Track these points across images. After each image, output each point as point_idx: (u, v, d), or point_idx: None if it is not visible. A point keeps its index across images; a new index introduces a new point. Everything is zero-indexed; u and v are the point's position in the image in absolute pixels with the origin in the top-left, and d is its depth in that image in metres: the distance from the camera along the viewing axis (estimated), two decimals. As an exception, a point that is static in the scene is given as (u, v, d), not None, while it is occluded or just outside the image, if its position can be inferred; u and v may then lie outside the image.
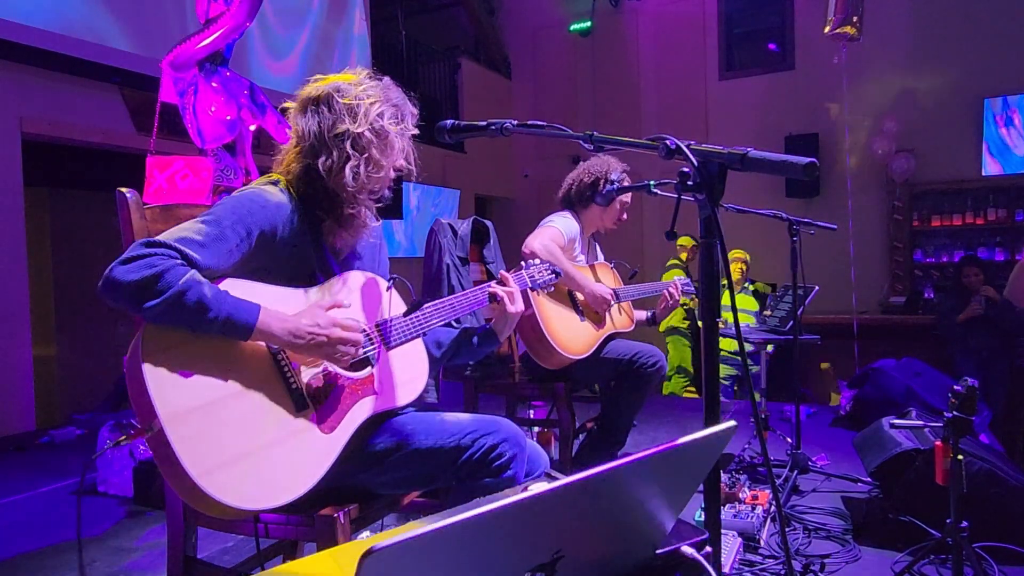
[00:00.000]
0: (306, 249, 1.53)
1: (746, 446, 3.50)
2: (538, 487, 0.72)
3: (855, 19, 6.27)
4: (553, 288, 2.08)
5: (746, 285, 5.92)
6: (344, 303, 1.51)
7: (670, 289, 3.01)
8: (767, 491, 2.63)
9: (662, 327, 6.14)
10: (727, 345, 5.43)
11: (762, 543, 2.37)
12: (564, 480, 0.74)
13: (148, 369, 1.25)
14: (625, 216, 3.05)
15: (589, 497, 0.80)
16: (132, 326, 1.36)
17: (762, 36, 8.75)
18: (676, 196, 1.22)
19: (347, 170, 1.51)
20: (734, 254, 5.77)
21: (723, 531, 1.84)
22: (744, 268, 5.79)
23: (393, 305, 1.65)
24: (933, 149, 7.52)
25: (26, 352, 4.66)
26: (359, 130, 1.52)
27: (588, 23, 9.48)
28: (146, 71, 4.85)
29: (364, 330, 1.56)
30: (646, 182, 2.38)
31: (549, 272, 1.93)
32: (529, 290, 1.87)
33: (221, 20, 3.24)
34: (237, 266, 1.42)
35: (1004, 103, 7.20)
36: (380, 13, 8.37)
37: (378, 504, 1.61)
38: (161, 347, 1.28)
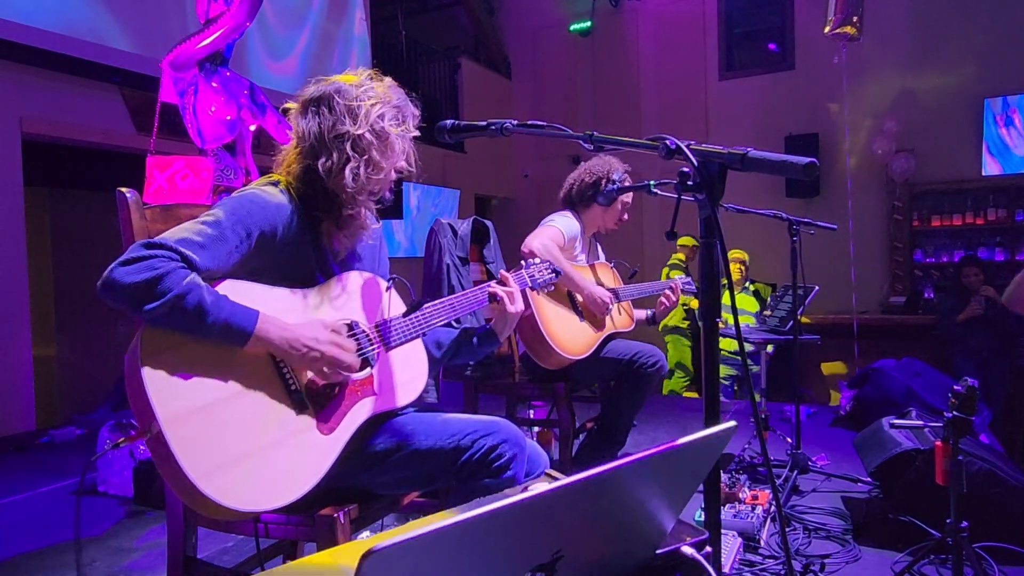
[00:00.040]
0: (306, 250, 1.52)
1: (746, 446, 3.50)
2: (538, 487, 0.72)
3: (855, 19, 6.27)
4: (553, 288, 2.08)
5: (747, 285, 5.91)
6: (344, 327, 1.50)
7: (669, 289, 3.01)
8: (767, 491, 2.63)
9: (661, 326, 6.14)
10: (727, 345, 5.43)
11: (762, 543, 2.37)
12: (564, 480, 0.74)
13: (147, 371, 1.25)
14: (626, 216, 3.05)
15: (589, 497, 0.80)
16: (132, 326, 1.36)
17: (762, 36, 8.75)
18: (676, 196, 1.22)
19: (347, 171, 1.51)
20: (732, 254, 5.77)
21: (723, 531, 1.84)
22: (743, 268, 5.78)
23: (392, 305, 1.65)
24: (933, 149, 7.52)
25: (26, 352, 4.66)
26: (359, 131, 1.51)
27: (588, 23, 9.48)
28: (146, 71, 4.85)
29: (364, 331, 1.56)
30: (646, 182, 2.39)
31: (549, 271, 1.93)
32: (529, 289, 1.87)
33: (221, 20, 3.24)
34: (237, 267, 1.42)
35: (1004, 103, 7.20)
36: (380, 13, 8.37)
37: (378, 504, 1.61)
38: (160, 349, 1.28)
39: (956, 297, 5.53)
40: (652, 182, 2.36)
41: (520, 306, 1.79)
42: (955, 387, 1.87)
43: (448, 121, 1.51)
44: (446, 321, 1.69)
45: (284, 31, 6.57)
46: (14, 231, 4.60)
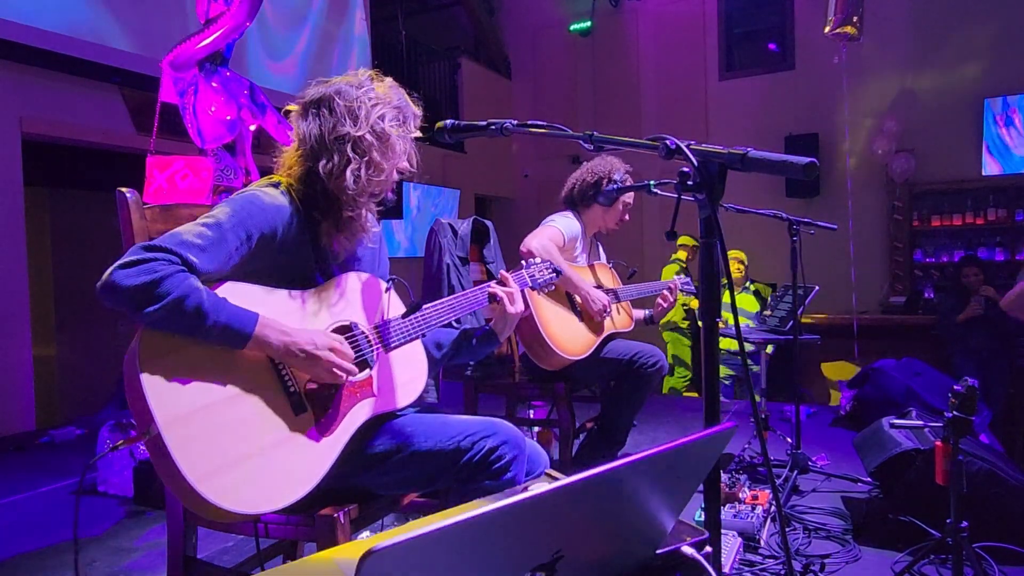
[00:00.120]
0: (306, 251, 1.52)
1: (746, 446, 3.50)
2: (538, 487, 0.72)
3: (855, 19, 6.27)
4: (553, 288, 2.07)
5: (747, 285, 5.92)
6: (344, 321, 1.50)
7: (668, 289, 3.01)
8: (767, 491, 2.63)
9: (662, 324, 6.16)
10: (727, 345, 5.43)
11: (762, 543, 2.37)
12: (564, 480, 0.74)
13: (146, 373, 1.25)
14: (627, 217, 3.05)
15: (589, 497, 0.80)
16: (132, 326, 1.36)
17: (762, 36, 8.75)
18: (676, 196, 1.22)
19: (348, 173, 1.50)
20: (730, 254, 5.77)
21: (723, 531, 1.84)
22: (742, 268, 5.79)
23: (392, 306, 1.64)
24: (933, 149, 7.52)
25: (26, 352, 4.66)
26: (359, 133, 1.51)
27: (588, 23, 9.48)
28: (146, 71, 4.85)
29: (363, 332, 1.56)
30: (646, 182, 2.39)
31: (550, 271, 1.93)
32: (529, 289, 1.86)
33: (221, 20, 3.24)
34: (237, 269, 1.42)
35: (1004, 103, 7.20)
36: (380, 13, 8.37)
37: (378, 504, 1.61)
38: (159, 351, 1.28)
39: (956, 297, 5.53)
40: (652, 182, 2.36)
41: (520, 306, 1.79)
42: (955, 387, 1.87)
43: (448, 121, 1.51)
44: (446, 322, 1.69)
45: (284, 31, 6.57)
46: (14, 231, 4.60)
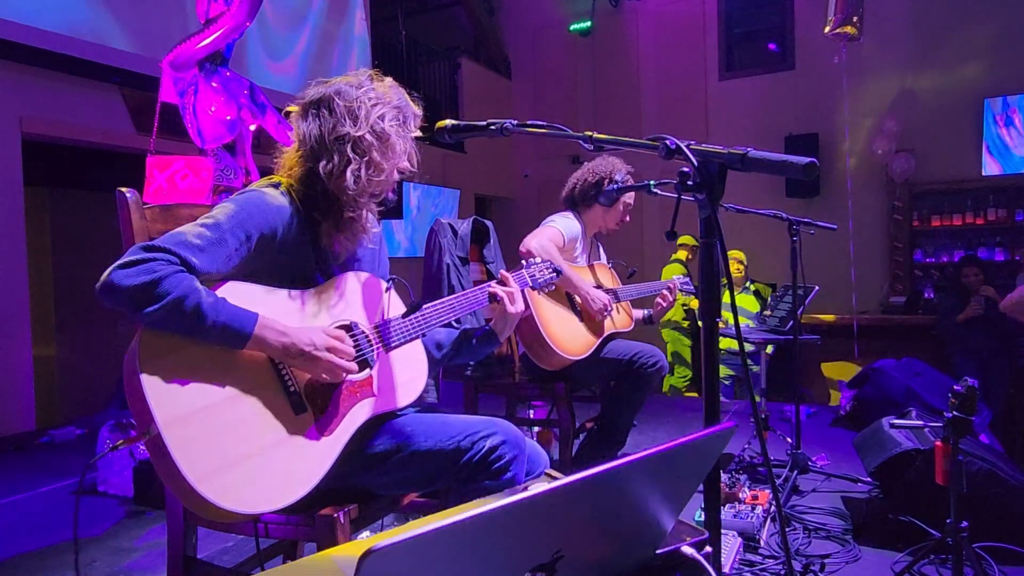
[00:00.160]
0: (306, 252, 1.52)
1: (746, 446, 3.50)
2: (538, 487, 0.72)
3: (855, 19, 6.28)
4: (554, 287, 2.07)
5: (747, 285, 5.92)
6: (345, 321, 1.50)
7: (667, 289, 3.01)
8: (767, 491, 2.63)
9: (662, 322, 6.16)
10: (726, 345, 5.43)
11: (762, 543, 2.37)
12: (564, 480, 0.74)
13: (145, 374, 1.25)
14: (628, 218, 3.05)
15: (589, 497, 0.80)
16: (132, 326, 1.36)
17: (762, 36, 8.75)
18: (676, 196, 1.22)
19: (348, 173, 1.50)
20: (730, 254, 5.77)
21: (723, 531, 1.84)
22: (742, 269, 5.79)
23: (392, 306, 1.64)
24: (933, 149, 7.53)
25: (26, 352, 4.66)
26: (359, 133, 1.51)
27: (588, 23, 9.48)
28: (146, 71, 4.85)
29: (364, 332, 1.56)
30: (646, 182, 2.39)
31: (550, 271, 1.92)
32: (529, 289, 1.86)
33: (221, 20, 3.24)
34: (236, 269, 1.42)
35: (1004, 103, 7.20)
36: (380, 13, 8.37)
37: (378, 504, 1.61)
38: (159, 352, 1.28)
39: (956, 297, 5.53)
40: (652, 182, 2.36)
41: (520, 306, 1.78)
42: (955, 387, 1.87)
43: (448, 121, 1.51)
44: (446, 322, 1.69)
45: (284, 31, 6.57)
46: (14, 231, 4.60)
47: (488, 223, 3.46)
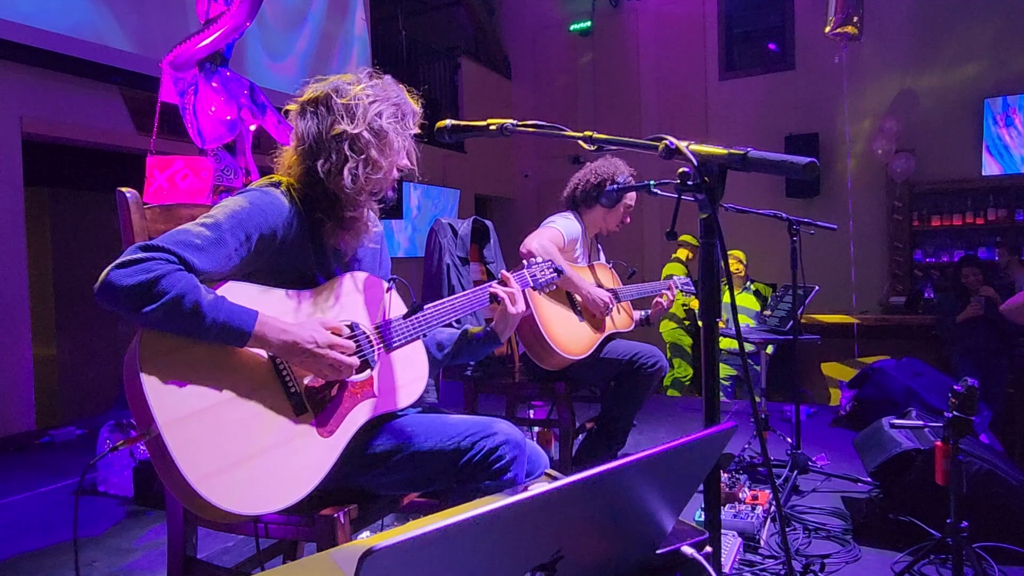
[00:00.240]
0: (307, 252, 1.52)
1: (746, 446, 3.50)
2: (538, 487, 0.72)
3: (855, 19, 6.28)
4: (555, 287, 2.07)
5: (747, 285, 5.92)
6: (345, 328, 1.50)
7: (666, 290, 3.01)
8: (767, 491, 2.63)
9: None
10: (727, 345, 5.43)
11: (762, 543, 2.37)
12: (564, 480, 0.74)
13: (146, 374, 1.25)
14: (628, 219, 3.06)
15: (589, 497, 0.80)
16: (132, 326, 1.36)
17: (762, 36, 8.75)
18: (676, 196, 1.22)
19: (345, 172, 1.49)
20: (730, 253, 5.76)
21: (723, 531, 1.84)
22: (741, 269, 5.79)
23: (393, 306, 1.64)
24: (933, 149, 7.53)
25: (26, 352, 4.66)
26: (356, 130, 1.50)
27: (588, 23, 9.48)
28: (146, 71, 4.85)
29: (364, 333, 1.56)
30: (646, 182, 2.39)
31: (551, 271, 1.92)
32: (530, 289, 1.86)
33: (221, 20, 3.24)
34: (236, 269, 1.41)
35: (1004, 103, 7.21)
36: (380, 13, 8.38)
37: (378, 504, 1.61)
38: (159, 352, 1.28)
39: (956, 297, 5.53)
40: (652, 182, 2.36)
41: (522, 307, 1.78)
42: (955, 387, 1.87)
43: (448, 121, 1.51)
44: (447, 322, 1.69)
45: (284, 31, 6.57)
46: (14, 231, 4.60)
47: (488, 223, 3.46)
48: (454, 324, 1.80)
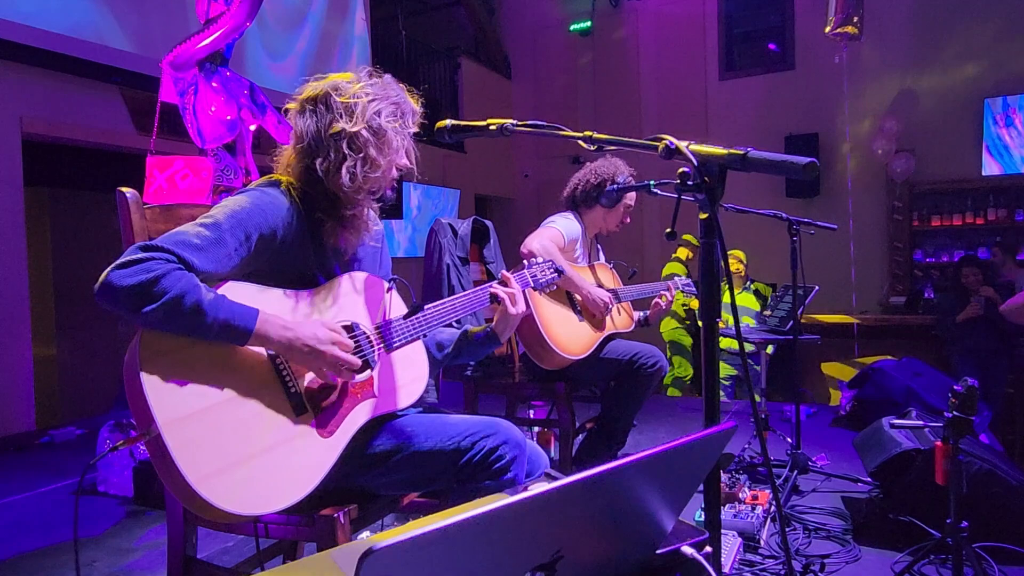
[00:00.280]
0: (307, 251, 1.52)
1: (746, 446, 3.50)
2: (538, 487, 0.72)
3: (855, 19, 6.28)
4: (555, 287, 2.07)
5: (747, 285, 5.92)
6: (346, 322, 1.50)
7: (665, 291, 3.00)
8: (767, 491, 2.63)
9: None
10: (727, 344, 5.43)
11: (762, 543, 2.37)
12: (564, 480, 0.74)
13: (146, 374, 1.25)
14: (628, 219, 3.05)
15: (589, 497, 0.80)
16: (132, 326, 1.36)
17: (762, 36, 8.75)
18: (676, 196, 1.22)
19: (343, 170, 1.49)
20: (730, 253, 5.76)
21: (723, 531, 1.84)
22: (741, 269, 5.79)
23: (394, 307, 1.64)
24: (933, 149, 7.53)
25: (26, 352, 4.66)
26: (355, 129, 1.49)
27: (588, 23, 9.48)
28: (146, 71, 4.85)
29: (365, 333, 1.56)
30: (646, 182, 2.39)
31: (552, 271, 1.92)
32: (531, 289, 1.86)
33: (221, 20, 3.24)
34: (236, 270, 1.41)
35: (1004, 103, 7.20)
36: (380, 13, 8.38)
37: (378, 504, 1.61)
38: (159, 352, 1.28)
39: (956, 297, 5.53)
40: (652, 182, 2.36)
41: (522, 307, 1.78)
42: (955, 387, 1.87)
43: (448, 121, 1.50)
44: (448, 322, 1.68)
45: (284, 31, 6.57)
46: (14, 231, 4.60)
47: (488, 223, 3.46)
48: (454, 324, 1.80)
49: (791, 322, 3.36)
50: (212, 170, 3.25)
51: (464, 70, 9.20)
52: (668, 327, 6.41)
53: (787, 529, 2.56)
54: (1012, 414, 5.51)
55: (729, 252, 1.24)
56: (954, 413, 1.85)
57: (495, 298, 1.76)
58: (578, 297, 2.85)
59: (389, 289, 1.64)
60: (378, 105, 1.53)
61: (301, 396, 1.42)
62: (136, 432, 1.29)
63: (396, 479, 1.54)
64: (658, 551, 1.00)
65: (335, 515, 1.43)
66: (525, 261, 1.99)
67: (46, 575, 2.45)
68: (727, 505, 2.49)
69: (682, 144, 1.14)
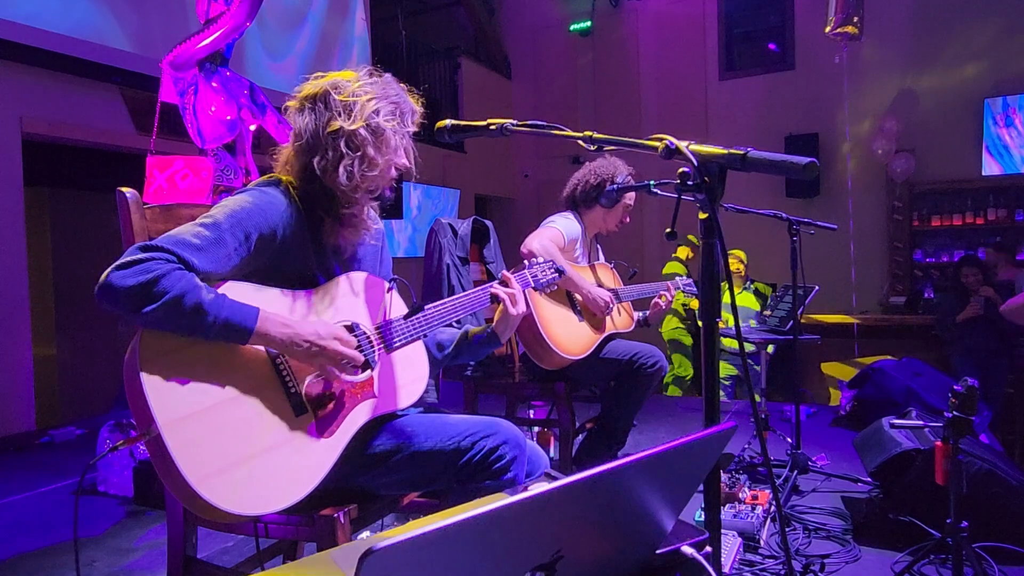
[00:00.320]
0: (307, 250, 1.52)
1: (746, 446, 3.50)
2: (538, 487, 0.72)
3: (855, 19, 6.28)
4: (556, 287, 2.07)
5: (748, 284, 5.92)
6: (346, 322, 1.50)
7: (664, 291, 3.00)
8: (767, 491, 2.63)
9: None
10: (727, 344, 5.43)
11: (762, 543, 2.37)
12: (564, 480, 0.74)
13: (146, 374, 1.25)
14: (627, 219, 3.05)
15: (589, 497, 0.80)
16: (132, 326, 1.36)
17: (762, 36, 8.75)
18: (676, 196, 1.22)
19: (341, 168, 1.49)
20: (730, 253, 5.76)
21: (723, 531, 1.84)
22: (741, 268, 5.79)
23: (394, 307, 1.64)
24: (933, 149, 7.53)
25: (26, 352, 4.66)
26: (353, 127, 1.49)
27: (588, 23, 9.48)
28: (146, 71, 4.85)
29: (365, 333, 1.56)
30: (646, 182, 2.39)
31: (552, 271, 1.92)
32: (531, 289, 1.86)
33: (221, 20, 3.24)
34: (236, 269, 1.41)
35: (1004, 103, 7.20)
36: (380, 13, 8.37)
37: (378, 504, 1.61)
38: (159, 352, 1.28)
39: (956, 297, 5.53)
40: (652, 182, 2.36)
41: (523, 307, 1.77)
42: (955, 387, 1.87)
43: (448, 121, 1.50)
44: (448, 322, 1.68)
45: (284, 31, 6.57)
46: (14, 231, 4.60)
47: (488, 223, 3.46)
48: (454, 324, 1.80)
49: (791, 322, 3.36)
50: (212, 170, 3.25)
51: (464, 70, 9.20)
52: (669, 326, 6.41)
53: (787, 529, 2.56)
54: (1012, 414, 5.51)
55: (729, 252, 1.24)
56: (954, 413, 1.85)
57: (495, 298, 1.76)
58: (578, 297, 2.85)
59: (389, 289, 1.64)
60: (377, 104, 1.53)
61: (301, 396, 1.41)
62: (136, 432, 1.29)
63: (396, 479, 1.54)
64: (658, 551, 1.00)
65: (335, 515, 1.43)
66: (525, 261, 1.99)
67: (46, 575, 2.45)
68: (727, 505, 2.49)
69: (682, 144, 1.14)
